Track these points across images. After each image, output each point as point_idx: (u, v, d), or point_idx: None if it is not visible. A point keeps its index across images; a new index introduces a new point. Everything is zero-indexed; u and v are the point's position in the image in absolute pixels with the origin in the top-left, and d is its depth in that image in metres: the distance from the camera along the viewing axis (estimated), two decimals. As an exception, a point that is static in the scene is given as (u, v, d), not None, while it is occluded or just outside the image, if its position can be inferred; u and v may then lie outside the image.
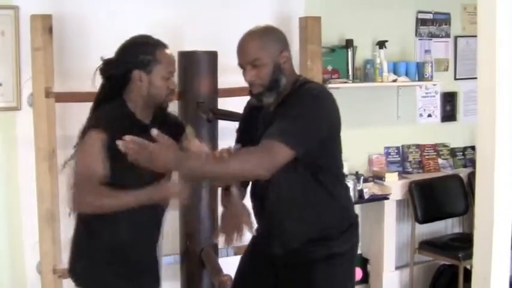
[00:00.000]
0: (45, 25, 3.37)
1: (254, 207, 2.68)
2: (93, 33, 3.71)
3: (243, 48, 2.44)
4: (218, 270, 3.14)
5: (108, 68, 2.56)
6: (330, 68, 4.57)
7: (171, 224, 3.15)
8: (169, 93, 2.58)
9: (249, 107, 2.74)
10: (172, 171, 2.35)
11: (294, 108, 2.39)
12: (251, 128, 2.61)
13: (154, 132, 2.13)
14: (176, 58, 3.00)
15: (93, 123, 2.48)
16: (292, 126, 2.32)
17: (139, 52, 2.52)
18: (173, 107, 3.00)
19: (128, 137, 2.10)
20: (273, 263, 2.62)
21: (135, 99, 2.55)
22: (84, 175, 2.40)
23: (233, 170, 2.29)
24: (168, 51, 2.58)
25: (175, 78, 2.99)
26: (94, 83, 2.61)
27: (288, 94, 2.47)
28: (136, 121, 2.55)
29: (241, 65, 2.46)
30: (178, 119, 2.99)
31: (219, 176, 2.38)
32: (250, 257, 2.78)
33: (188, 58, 3.24)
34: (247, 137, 2.63)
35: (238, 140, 2.69)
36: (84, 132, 2.48)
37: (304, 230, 2.53)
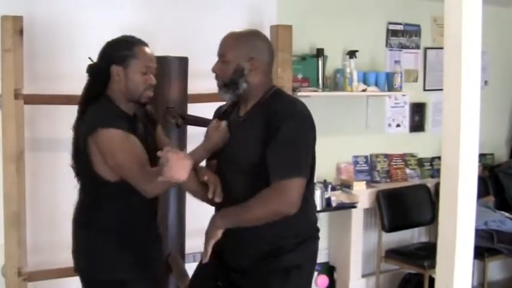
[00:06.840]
0: (16, 26, 3.36)
1: (215, 211, 2.60)
2: (64, 35, 3.69)
3: (221, 41, 2.54)
4: (184, 275, 3.14)
5: (91, 66, 2.63)
6: (300, 76, 4.60)
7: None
8: (146, 87, 2.63)
9: (217, 113, 2.75)
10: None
11: (283, 133, 2.38)
12: None
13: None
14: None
15: (99, 122, 2.49)
16: (291, 155, 2.38)
17: (116, 49, 2.61)
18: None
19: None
20: (228, 273, 2.57)
21: (116, 94, 2.61)
22: (136, 167, 2.46)
23: (257, 216, 2.39)
24: (146, 48, 2.65)
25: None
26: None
27: (258, 103, 2.50)
28: (125, 114, 2.63)
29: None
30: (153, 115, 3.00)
31: (245, 222, 2.43)
32: (205, 266, 2.58)
33: (159, 63, 3.23)
34: None
35: None
36: (90, 132, 2.49)
37: (257, 239, 2.48)
